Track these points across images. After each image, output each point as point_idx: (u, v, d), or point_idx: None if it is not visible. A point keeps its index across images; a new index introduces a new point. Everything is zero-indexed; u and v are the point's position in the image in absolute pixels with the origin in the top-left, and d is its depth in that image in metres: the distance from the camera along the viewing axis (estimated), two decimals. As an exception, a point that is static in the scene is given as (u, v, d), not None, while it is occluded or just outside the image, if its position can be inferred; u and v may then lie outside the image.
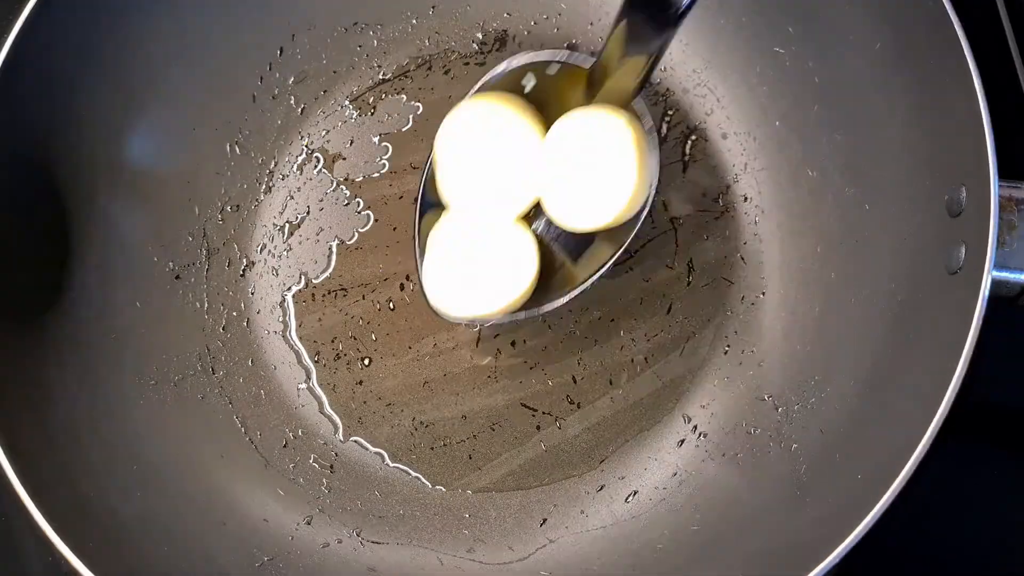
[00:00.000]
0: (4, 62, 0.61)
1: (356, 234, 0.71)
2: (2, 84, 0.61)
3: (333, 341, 0.69)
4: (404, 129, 0.74)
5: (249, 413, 0.68)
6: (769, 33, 0.68)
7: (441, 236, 0.63)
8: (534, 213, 0.63)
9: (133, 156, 0.69)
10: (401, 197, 0.72)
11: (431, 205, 0.64)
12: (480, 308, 0.61)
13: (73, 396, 0.62)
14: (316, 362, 0.69)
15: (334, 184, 0.73)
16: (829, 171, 0.65)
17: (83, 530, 0.55)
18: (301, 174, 0.73)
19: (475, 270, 0.61)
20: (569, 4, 0.75)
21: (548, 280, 0.63)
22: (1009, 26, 0.73)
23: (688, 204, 0.70)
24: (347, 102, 0.75)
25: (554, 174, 0.60)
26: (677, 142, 0.72)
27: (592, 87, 0.60)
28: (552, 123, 0.60)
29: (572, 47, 0.74)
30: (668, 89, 0.73)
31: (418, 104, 0.74)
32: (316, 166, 0.73)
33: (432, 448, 0.66)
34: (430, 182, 0.63)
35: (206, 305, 0.70)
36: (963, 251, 0.52)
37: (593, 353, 0.67)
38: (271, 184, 0.73)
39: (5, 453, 0.54)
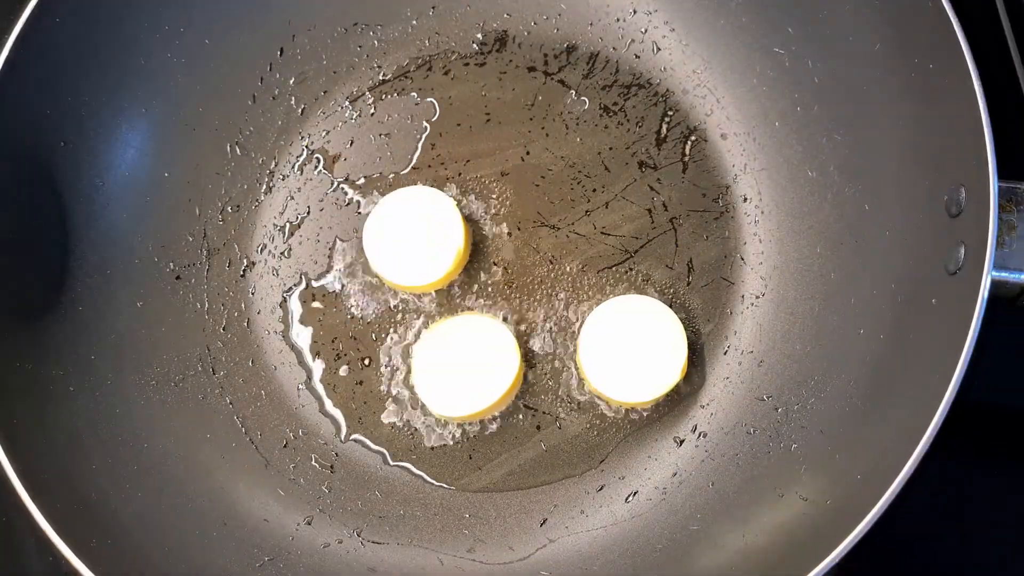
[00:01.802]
0: (5, 62, 0.61)
1: (356, 234, 0.72)
2: (3, 84, 0.61)
3: (333, 341, 0.69)
4: (404, 129, 0.74)
5: (249, 413, 0.68)
6: (769, 33, 0.68)
7: (425, 347, 0.66)
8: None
9: (133, 156, 0.70)
10: (401, 197, 0.72)
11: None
12: (475, 405, 0.64)
13: (73, 396, 0.62)
14: (316, 362, 0.69)
15: (334, 184, 0.73)
16: (829, 171, 0.65)
17: (83, 530, 0.55)
18: (301, 174, 0.73)
19: (464, 373, 0.65)
20: (569, 4, 0.75)
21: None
22: (1009, 26, 0.73)
23: (688, 204, 0.70)
24: (347, 102, 0.75)
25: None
26: (677, 142, 0.72)
27: None
28: None
29: (572, 48, 0.74)
30: (668, 89, 0.73)
31: (418, 104, 0.74)
32: (316, 166, 0.73)
33: (432, 448, 0.66)
34: None
35: (207, 305, 0.70)
36: (963, 251, 0.52)
37: (593, 353, 0.67)
38: (271, 184, 0.73)
39: (5, 453, 0.54)
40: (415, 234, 0.68)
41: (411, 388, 0.67)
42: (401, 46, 0.75)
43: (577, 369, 0.66)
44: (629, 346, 0.65)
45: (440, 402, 0.65)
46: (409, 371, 0.67)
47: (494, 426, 0.66)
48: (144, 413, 0.65)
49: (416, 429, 0.67)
